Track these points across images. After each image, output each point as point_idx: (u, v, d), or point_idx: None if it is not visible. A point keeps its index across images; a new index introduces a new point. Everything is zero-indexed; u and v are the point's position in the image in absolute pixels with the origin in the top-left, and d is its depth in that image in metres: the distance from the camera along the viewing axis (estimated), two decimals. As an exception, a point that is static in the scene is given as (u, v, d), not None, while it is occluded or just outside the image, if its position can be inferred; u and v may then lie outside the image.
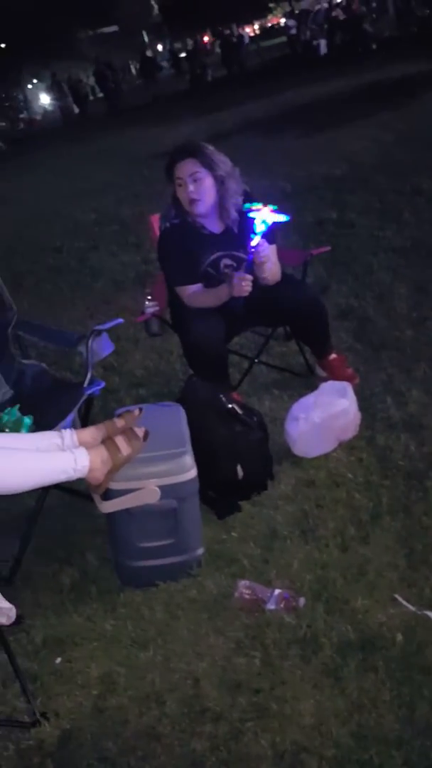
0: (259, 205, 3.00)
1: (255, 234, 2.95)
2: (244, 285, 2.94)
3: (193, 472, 2.39)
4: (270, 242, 3.06)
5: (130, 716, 2.02)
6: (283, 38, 28.66)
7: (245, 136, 11.18)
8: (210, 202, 3.09)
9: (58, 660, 2.25)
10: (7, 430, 2.65)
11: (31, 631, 2.37)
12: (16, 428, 2.65)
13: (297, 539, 2.53)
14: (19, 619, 2.39)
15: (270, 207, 2.99)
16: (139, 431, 2.36)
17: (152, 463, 2.35)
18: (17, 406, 2.77)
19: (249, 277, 2.95)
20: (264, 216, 2.96)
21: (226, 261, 3.16)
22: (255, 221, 2.95)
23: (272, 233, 3.07)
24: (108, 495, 2.34)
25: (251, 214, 2.99)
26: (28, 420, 2.67)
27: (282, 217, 2.98)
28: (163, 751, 1.90)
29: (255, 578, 2.36)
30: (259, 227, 2.94)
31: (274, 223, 2.97)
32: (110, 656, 2.22)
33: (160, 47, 48.02)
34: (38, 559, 2.68)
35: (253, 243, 2.95)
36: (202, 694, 2.03)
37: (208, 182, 3.06)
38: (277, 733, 1.87)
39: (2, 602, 1.94)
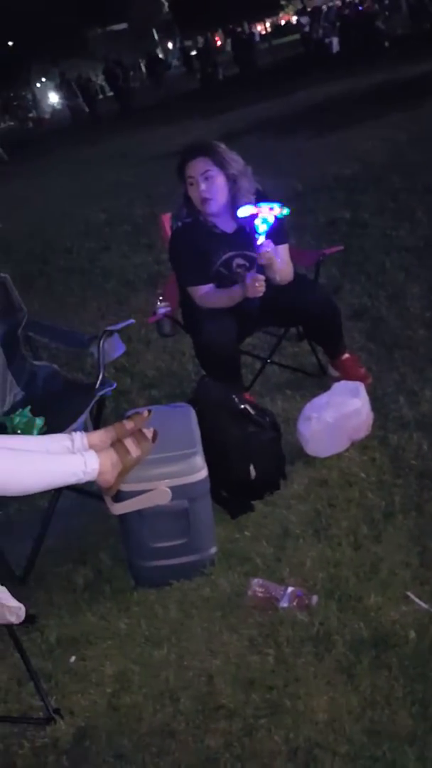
0: (255, 207, 2.98)
1: (258, 234, 2.95)
2: (257, 286, 2.94)
3: (204, 473, 2.40)
4: (278, 242, 3.06)
5: (144, 714, 2.03)
6: (296, 36, 28.57)
7: (257, 135, 11.18)
8: (222, 201, 3.09)
9: (73, 659, 2.27)
10: (18, 431, 2.67)
11: (45, 630, 2.39)
12: (27, 429, 2.67)
13: (310, 538, 2.54)
14: (33, 618, 2.42)
15: (269, 205, 2.97)
16: (148, 432, 2.38)
17: (163, 464, 2.37)
18: (29, 407, 2.79)
19: (261, 277, 2.95)
20: (264, 215, 2.95)
21: (239, 261, 3.16)
22: (255, 222, 2.95)
23: (280, 233, 3.07)
24: (119, 497, 2.35)
25: (250, 212, 2.98)
26: (39, 421, 2.68)
27: (283, 210, 2.96)
28: (177, 747, 1.92)
29: (268, 576, 2.37)
30: (261, 227, 2.94)
31: (277, 219, 2.96)
32: (124, 654, 2.24)
33: (170, 45, 48.01)
34: (52, 559, 2.71)
35: (258, 243, 2.96)
36: (215, 691, 2.04)
37: (220, 181, 3.06)
38: (290, 730, 1.88)
39: (11, 601, 1.96)
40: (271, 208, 2.95)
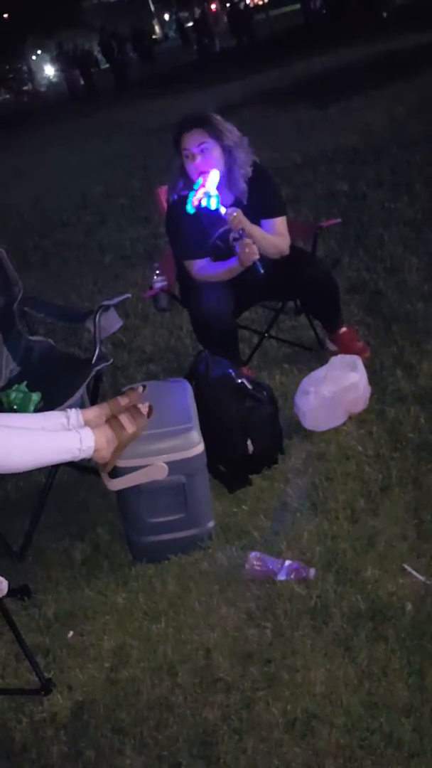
0: (195, 197, 2.97)
1: (218, 210, 2.93)
2: (248, 251, 2.90)
3: (200, 447, 2.39)
4: (274, 215, 3.08)
5: (142, 687, 2.04)
6: (295, 6, 28.06)
7: (255, 107, 11.07)
8: (220, 174, 3.04)
9: (71, 634, 2.27)
10: (15, 407, 2.66)
11: (43, 605, 2.40)
12: (24, 405, 2.66)
13: (307, 512, 2.54)
14: (27, 590, 2.43)
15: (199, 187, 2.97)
16: (143, 408, 2.37)
17: (159, 439, 2.36)
18: (25, 382, 2.78)
19: (249, 240, 2.91)
20: (203, 193, 2.94)
21: (235, 234, 3.12)
22: (204, 204, 2.94)
23: (274, 205, 3.10)
24: (116, 473, 2.35)
25: (195, 205, 2.97)
26: (35, 397, 2.68)
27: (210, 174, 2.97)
28: (175, 720, 1.93)
29: (266, 550, 2.38)
30: (212, 203, 2.93)
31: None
32: (123, 629, 2.24)
33: (166, 16, 47.25)
34: (50, 534, 2.71)
35: (224, 215, 2.93)
36: (213, 664, 2.05)
37: (216, 153, 3.01)
38: (288, 702, 1.88)
39: None
40: (199, 187, 2.96)
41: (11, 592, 2.24)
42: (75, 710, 2.03)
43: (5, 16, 31.77)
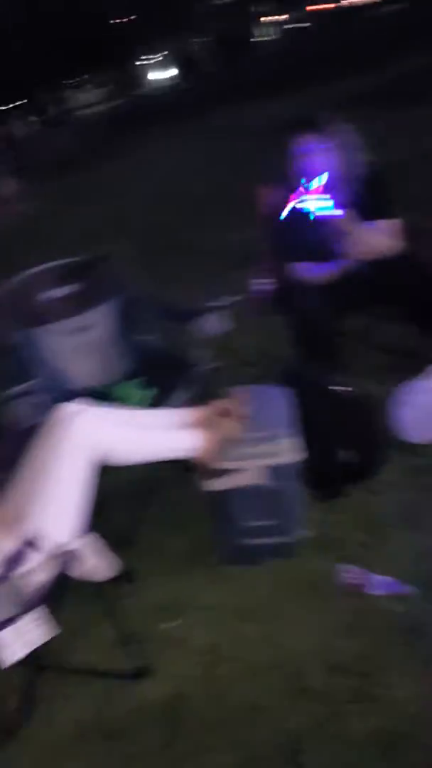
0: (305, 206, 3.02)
1: (324, 210, 2.97)
2: (354, 250, 2.87)
3: (297, 454, 2.41)
4: (377, 216, 3.05)
5: (232, 686, 2.08)
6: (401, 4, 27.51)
7: (356, 108, 10.75)
8: (330, 175, 3.02)
9: (165, 625, 2.33)
10: (127, 402, 2.74)
11: (141, 595, 2.46)
12: (135, 401, 2.73)
13: (402, 526, 2.51)
14: (130, 576, 2.50)
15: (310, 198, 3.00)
16: (242, 412, 2.40)
17: (257, 444, 2.38)
18: (136, 379, 2.86)
19: (355, 240, 2.89)
20: (310, 204, 3.00)
21: (341, 235, 3.07)
22: (308, 206, 3.01)
23: (377, 206, 3.07)
24: (213, 474, 2.39)
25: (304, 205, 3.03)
26: (146, 393, 2.74)
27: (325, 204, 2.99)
28: (262, 723, 1.95)
29: (359, 563, 2.37)
30: (318, 205, 2.99)
31: (323, 192, 3.00)
32: (215, 626, 2.29)
33: (268, 18, 47.09)
34: (151, 526, 2.78)
35: (330, 213, 2.97)
36: (303, 672, 2.06)
37: (326, 154, 2.99)
38: (376, 718, 1.88)
39: (104, 557, 2.03)
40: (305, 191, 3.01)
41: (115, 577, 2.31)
42: (168, 701, 2.08)
43: (124, 20, 32.27)
